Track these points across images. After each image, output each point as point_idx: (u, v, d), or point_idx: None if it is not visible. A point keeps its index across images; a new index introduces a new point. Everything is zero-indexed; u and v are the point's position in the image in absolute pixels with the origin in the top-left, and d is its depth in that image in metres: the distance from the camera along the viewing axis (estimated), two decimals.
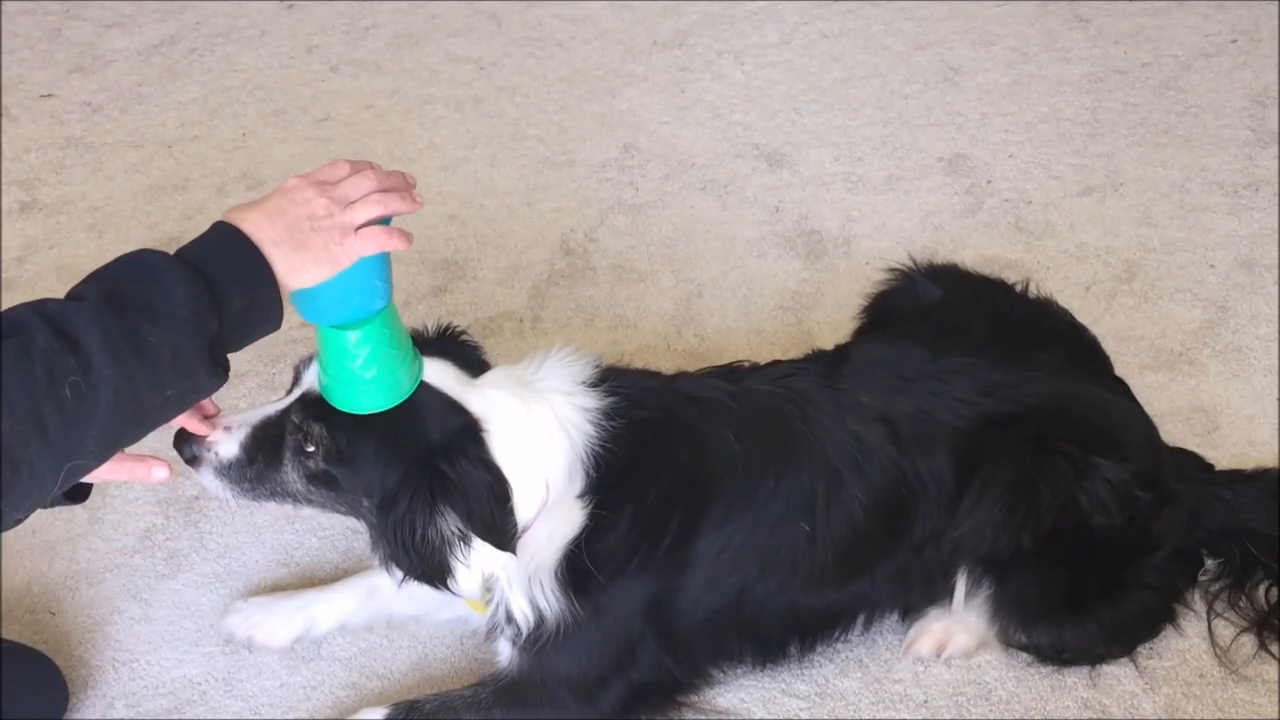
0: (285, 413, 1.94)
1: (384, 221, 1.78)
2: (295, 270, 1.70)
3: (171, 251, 1.67)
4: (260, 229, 1.68)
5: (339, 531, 2.56)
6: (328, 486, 1.95)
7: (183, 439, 1.97)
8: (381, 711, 2.17)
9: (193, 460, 1.98)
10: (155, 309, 1.58)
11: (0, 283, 3.17)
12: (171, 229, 3.32)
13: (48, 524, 2.57)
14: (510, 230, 3.33)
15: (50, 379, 1.51)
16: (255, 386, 2.86)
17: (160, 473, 1.94)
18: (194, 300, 1.60)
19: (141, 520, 2.60)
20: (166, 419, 1.69)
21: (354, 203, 1.74)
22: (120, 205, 3.44)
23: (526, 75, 3.94)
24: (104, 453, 1.61)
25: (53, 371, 1.51)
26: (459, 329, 2.10)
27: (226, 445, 1.96)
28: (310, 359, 1.95)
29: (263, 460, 1.95)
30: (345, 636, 2.37)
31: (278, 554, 2.53)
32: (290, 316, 2.98)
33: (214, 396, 2.04)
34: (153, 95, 3.91)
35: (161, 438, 2.48)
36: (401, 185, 1.81)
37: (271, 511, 2.37)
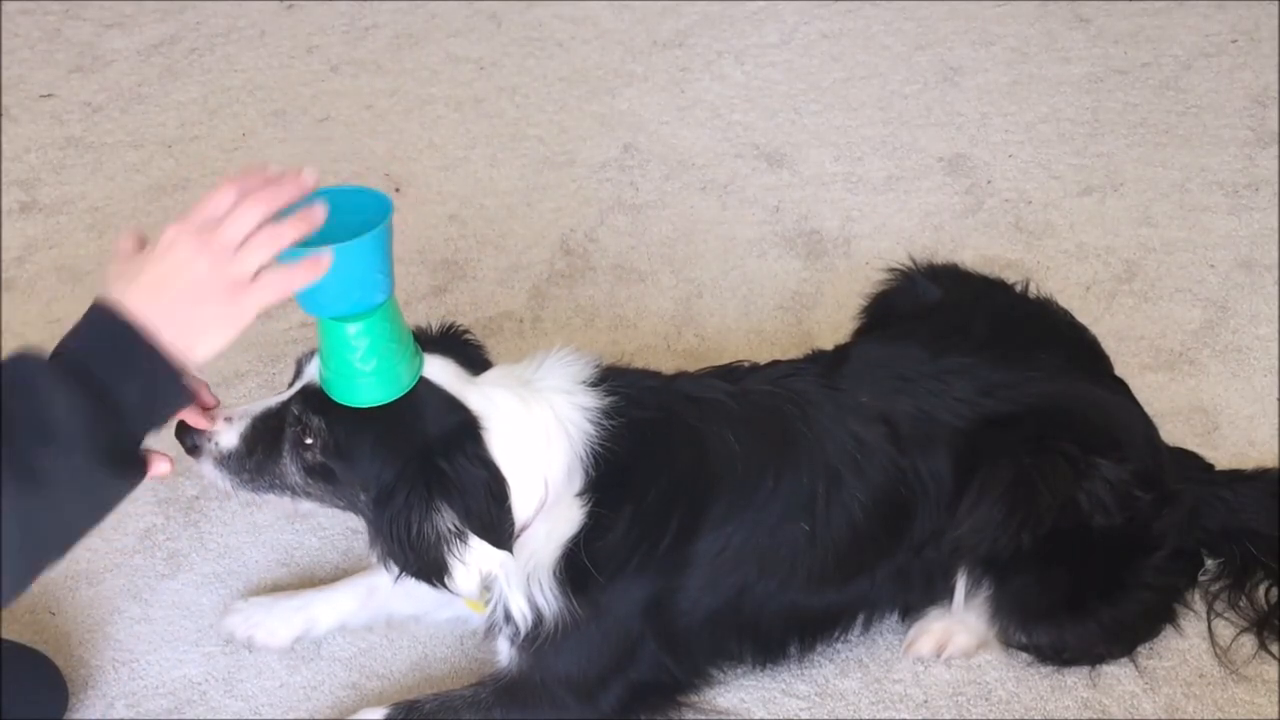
0: (285, 405, 1.95)
1: (300, 248, 1.62)
2: (190, 347, 1.56)
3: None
4: (144, 309, 1.54)
5: (339, 532, 2.56)
6: (325, 480, 1.95)
7: (184, 429, 1.97)
8: (381, 711, 2.17)
9: (193, 450, 1.98)
10: (44, 429, 1.47)
11: (0, 283, 3.17)
12: None
13: None
14: (510, 230, 3.33)
15: None
16: (255, 386, 2.86)
17: (162, 467, 1.93)
18: (78, 415, 1.48)
19: (141, 520, 2.60)
20: (82, 533, 1.58)
21: (242, 246, 1.57)
22: (120, 205, 3.44)
23: (526, 75, 3.94)
24: (22, 581, 1.53)
25: None
26: (462, 328, 2.10)
27: (226, 436, 1.96)
28: (312, 352, 1.95)
29: (262, 452, 1.95)
30: (345, 636, 2.37)
31: (278, 554, 2.53)
32: (293, 314, 3.01)
33: (214, 396, 2.06)
34: (153, 95, 3.91)
35: (165, 431, 2.49)
36: (294, 194, 1.62)
37: (272, 504, 2.37)
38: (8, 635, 2.29)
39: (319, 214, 1.63)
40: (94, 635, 2.39)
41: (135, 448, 1.59)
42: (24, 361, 1.52)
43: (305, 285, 1.63)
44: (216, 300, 1.56)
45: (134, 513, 2.62)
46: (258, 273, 1.58)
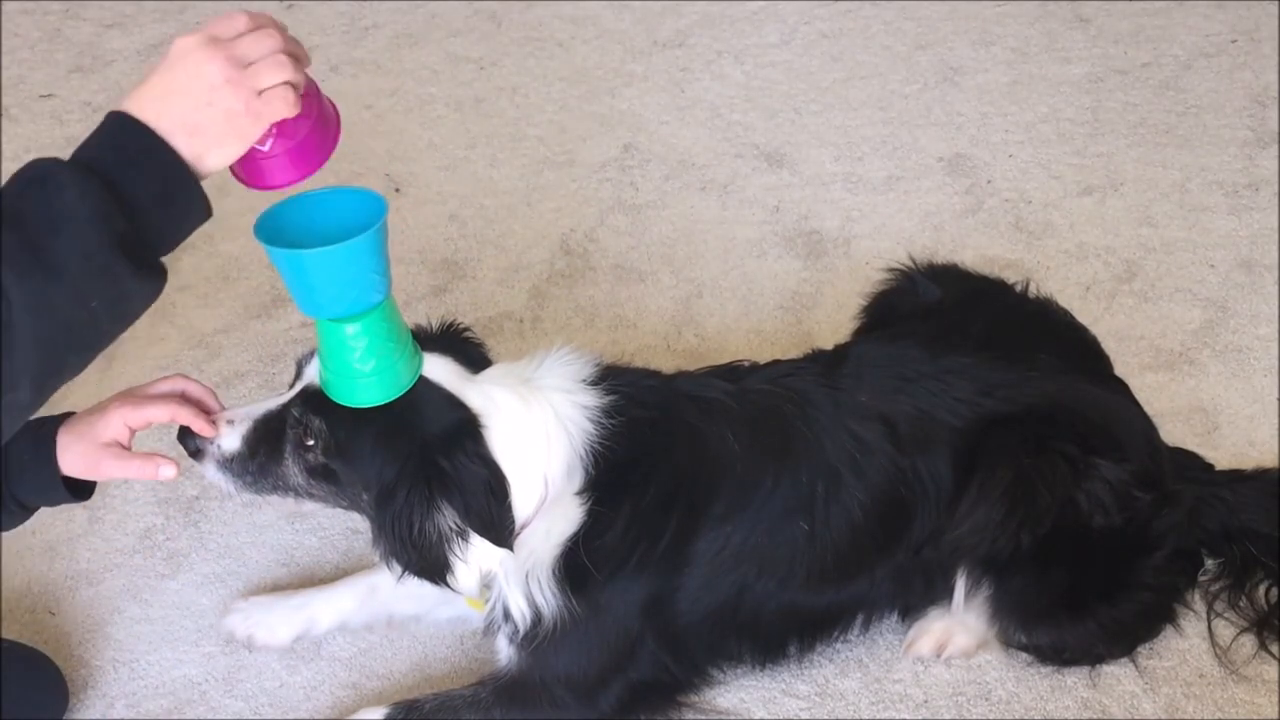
0: (286, 406, 1.95)
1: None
2: (201, 154, 1.54)
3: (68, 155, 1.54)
4: (155, 114, 1.51)
5: (339, 531, 2.56)
6: (328, 480, 1.96)
7: (186, 433, 1.98)
8: (381, 711, 2.17)
9: (196, 453, 1.99)
10: (53, 218, 1.45)
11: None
12: None
13: (48, 524, 2.57)
14: (510, 230, 3.33)
15: None
16: (255, 386, 2.86)
17: (168, 471, 1.94)
18: (89, 199, 1.46)
19: (141, 520, 2.61)
20: (108, 335, 1.55)
21: (254, 63, 1.54)
22: None
23: (526, 75, 3.94)
24: (43, 383, 1.51)
25: None
26: (462, 326, 2.10)
27: (229, 439, 1.97)
28: (312, 353, 1.95)
29: (264, 454, 1.96)
30: (345, 636, 2.37)
31: (278, 554, 2.53)
32: (292, 316, 3.01)
33: (216, 395, 2.07)
34: None
35: (165, 434, 2.50)
36: (301, 53, 1.61)
37: (275, 504, 2.37)
38: (8, 635, 2.29)
39: (306, 55, 1.61)
40: (94, 635, 2.40)
41: (154, 252, 1.55)
42: (37, 161, 1.51)
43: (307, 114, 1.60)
44: (228, 107, 1.53)
45: (134, 513, 2.62)
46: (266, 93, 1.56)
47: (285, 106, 1.56)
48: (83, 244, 1.46)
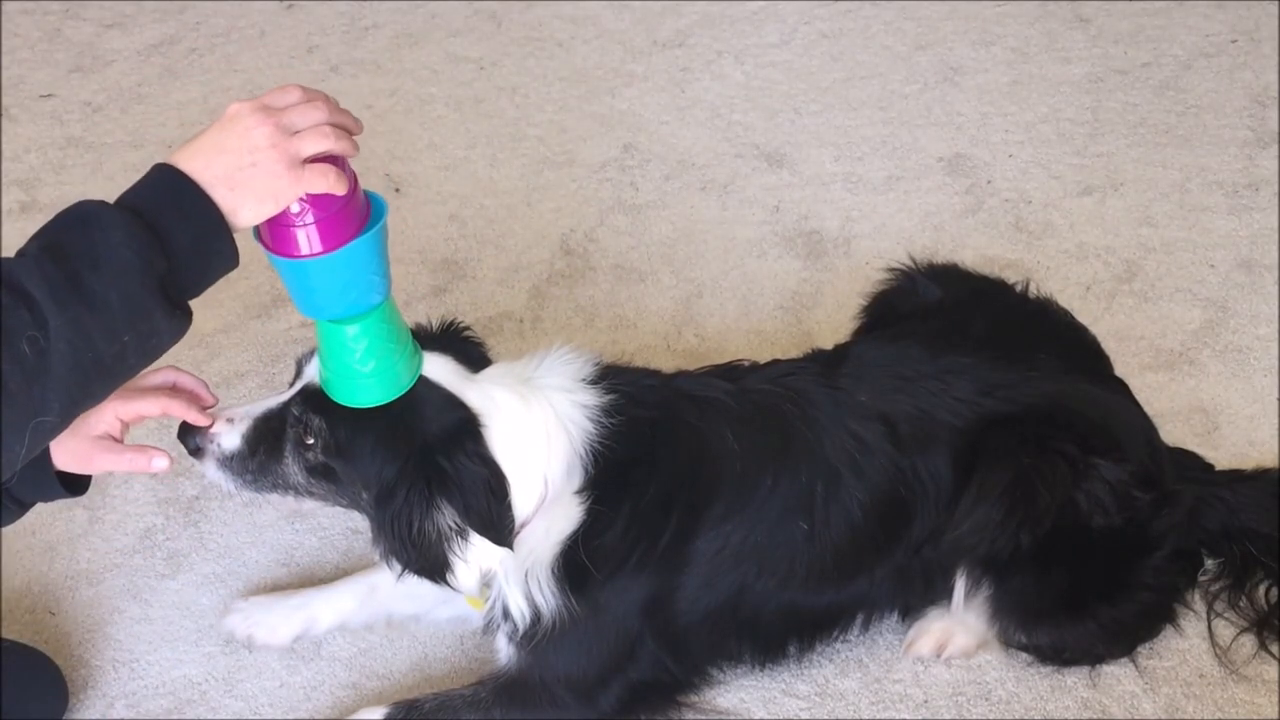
0: (286, 405, 1.95)
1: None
2: (237, 208, 1.62)
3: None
4: (200, 168, 1.62)
5: (339, 531, 2.56)
6: (327, 479, 1.96)
7: (186, 431, 1.98)
8: (381, 711, 2.17)
9: (196, 451, 1.99)
10: (96, 255, 1.54)
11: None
12: None
13: (48, 524, 2.57)
14: (510, 230, 3.33)
15: (7, 335, 1.49)
16: (255, 386, 2.86)
17: (161, 463, 1.94)
18: (134, 241, 1.56)
19: (141, 520, 2.60)
20: (132, 369, 1.63)
21: (300, 132, 1.64)
22: None
23: (526, 75, 3.94)
24: (70, 408, 1.59)
25: (9, 327, 1.49)
26: (462, 325, 2.10)
27: (229, 437, 1.97)
28: (312, 352, 1.95)
29: (264, 452, 1.96)
30: (345, 636, 2.37)
31: (278, 554, 2.53)
32: (292, 316, 3.01)
33: (213, 393, 2.07)
34: (153, 95, 3.92)
35: (165, 432, 2.50)
36: (352, 125, 1.71)
37: (275, 503, 2.37)
38: (8, 635, 2.29)
39: (357, 147, 1.70)
40: (94, 635, 2.40)
41: (185, 294, 1.64)
42: (84, 202, 1.60)
43: (342, 190, 1.66)
44: (269, 170, 1.62)
45: (134, 513, 2.62)
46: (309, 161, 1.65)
47: (322, 179, 1.65)
48: (124, 282, 1.55)
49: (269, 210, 1.65)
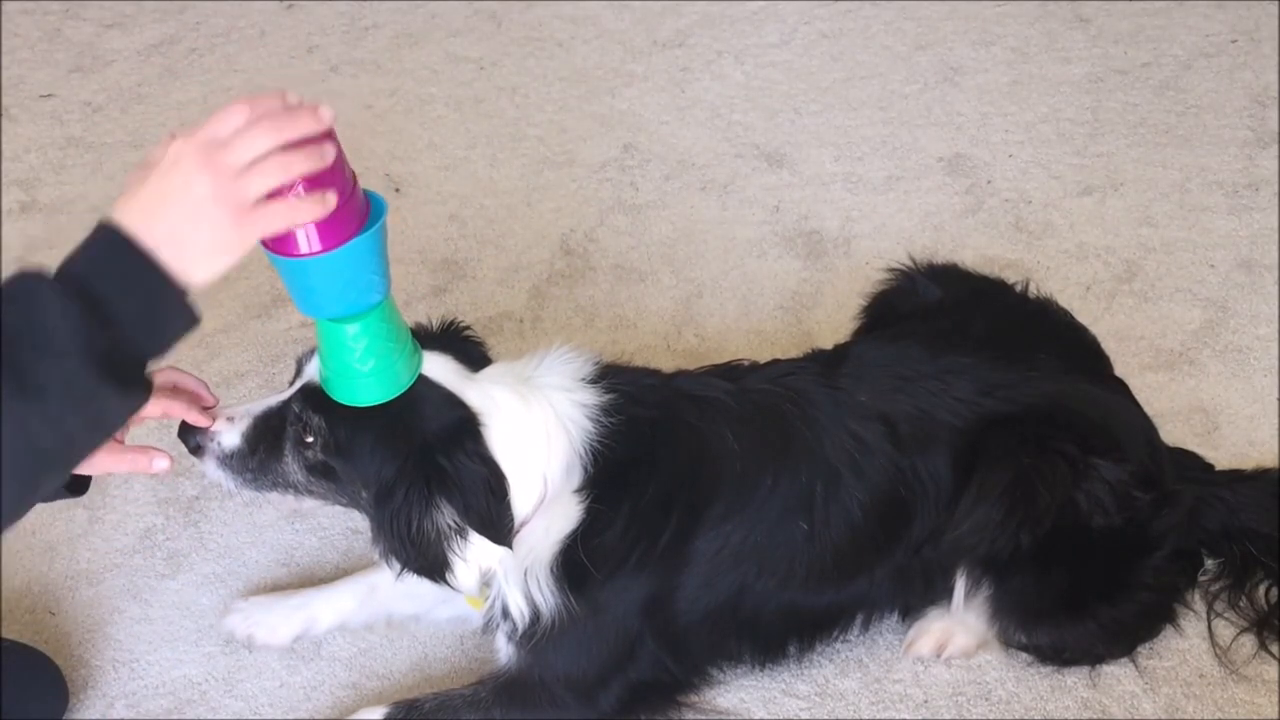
0: (286, 404, 1.95)
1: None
2: (188, 268, 1.50)
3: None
4: (143, 227, 1.49)
5: (339, 531, 2.56)
6: (327, 478, 1.96)
7: (186, 430, 1.98)
8: (381, 711, 2.17)
9: (196, 450, 1.99)
10: (34, 338, 1.44)
11: (1, 283, 3.16)
12: None
13: (48, 524, 2.57)
14: (510, 230, 3.33)
15: None
16: (255, 386, 2.86)
17: (161, 463, 1.94)
18: (71, 319, 1.44)
19: (141, 520, 2.60)
20: (86, 452, 1.55)
21: (248, 169, 1.50)
22: None
23: (526, 75, 3.94)
24: (20, 503, 1.51)
25: None
26: (462, 324, 2.10)
27: (229, 435, 1.97)
28: (312, 351, 1.95)
29: (264, 451, 1.96)
30: (345, 636, 2.37)
31: (278, 554, 2.53)
32: (293, 314, 3.01)
33: (214, 393, 2.06)
34: (153, 95, 3.91)
35: (166, 430, 2.50)
36: (309, 127, 1.55)
37: (275, 504, 2.37)
38: (8, 635, 2.29)
39: (329, 151, 1.58)
40: (94, 635, 2.40)
41: (138, 365, 1.54)
42: (22, 276, 1.49)
43: (311, 220, 1.58)
44: (215, 223, 1.50)
45: (134, 513, 2.62)
46: (265, 196, 1.53)
47: (277, 222, 1.54)
48: (63, 366, 1.44)
49: (224, 264, 1.53)
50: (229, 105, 1.53)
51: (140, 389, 1.54)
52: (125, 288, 1.49)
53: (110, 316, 1.47)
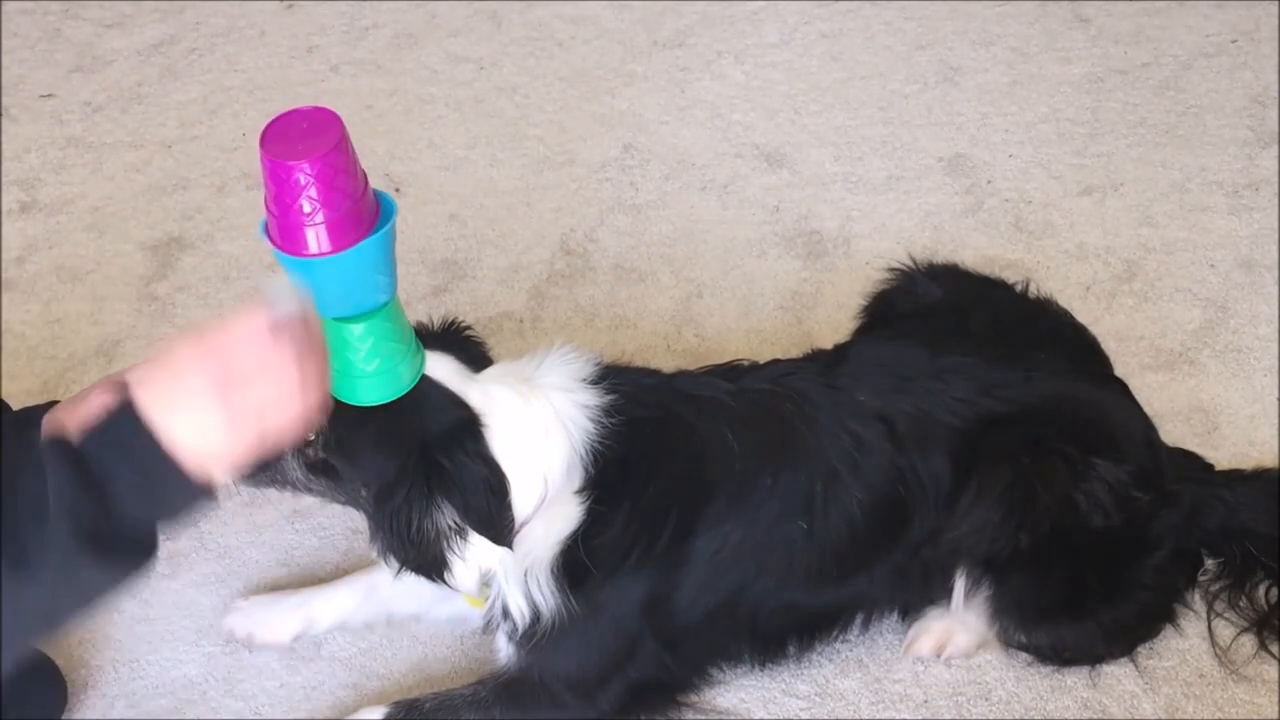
0: None
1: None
2: (209, 472, 1.48)
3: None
4: (163, 422, 1.44)
5: (339, 531, 2.56)
6: (327, 476, 1.96)
7: None
8: (381, 711, 2.17)
9: None
10: (36, 513, 1.41)
11: (0, 283, 3.17)
12: (171, 229, 3.32)
13: None
14: (510, 230, 3.33)
15: None
16: None
17: None
18: (63, 496, 1.41)
19: None
20: (70, 618, 1.53)
21: (261, 408, 1.47)
22: (120, 205, 3.44)
23: (526, 75, 3.94)
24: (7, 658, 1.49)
25: None
26: (464, 324, 2.10)
27: None
28: None
29: None
30: (345, 636, 2.37)
31: (278, 554, 2.53)
32: None
33: None
34: (153, 95, 3.91)
35: None
36: (317, 353, 1.52)
37: (275, 501, 2.37)
38: None
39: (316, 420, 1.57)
40: (94, 635, 2.40)
41: (133, 536, 1.50)
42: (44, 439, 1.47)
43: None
44: (230, 451, 1.48)
45: None
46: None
47: (280, 444, 1.51)
48: (58, 547, 1.41)
49: (241, 468, 1.51)
50: (243, 322, 1.48)
51: (130, 562, 1.50)
52: (121, 458, 1.45)
53: (102, 488, 1.44)
